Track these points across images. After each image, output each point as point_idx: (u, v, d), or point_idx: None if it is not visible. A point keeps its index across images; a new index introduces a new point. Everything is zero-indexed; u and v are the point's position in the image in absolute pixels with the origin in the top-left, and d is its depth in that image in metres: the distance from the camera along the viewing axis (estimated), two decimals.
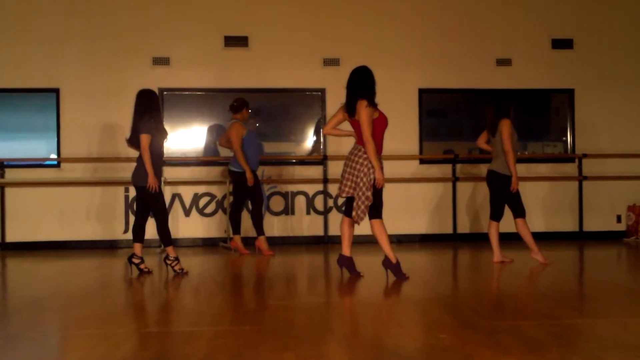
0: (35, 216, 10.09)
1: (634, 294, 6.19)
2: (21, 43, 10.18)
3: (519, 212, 7.96)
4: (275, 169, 10.47)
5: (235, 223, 9.20)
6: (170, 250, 7.36)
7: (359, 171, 6.56)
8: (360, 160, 6.57)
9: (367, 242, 9.98)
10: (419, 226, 10.60)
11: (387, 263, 6.76)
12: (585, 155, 10.74)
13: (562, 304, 5.56)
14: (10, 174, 10.14)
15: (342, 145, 10.40)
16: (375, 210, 6.67)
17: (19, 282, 7.63)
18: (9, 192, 10.10)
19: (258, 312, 5.46)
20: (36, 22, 10.23)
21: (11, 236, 10.06)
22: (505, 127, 7.73)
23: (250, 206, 9.32)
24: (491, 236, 7.98)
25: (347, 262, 6.91)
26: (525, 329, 4.55)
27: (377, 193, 6.64)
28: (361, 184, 6.53)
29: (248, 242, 9.44)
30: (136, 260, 7.43)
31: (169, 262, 7.35)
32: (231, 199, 10.03)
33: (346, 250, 6.92)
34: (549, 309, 5.32)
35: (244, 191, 9.05)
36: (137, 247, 7.45)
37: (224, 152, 10.11)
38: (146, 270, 7.40)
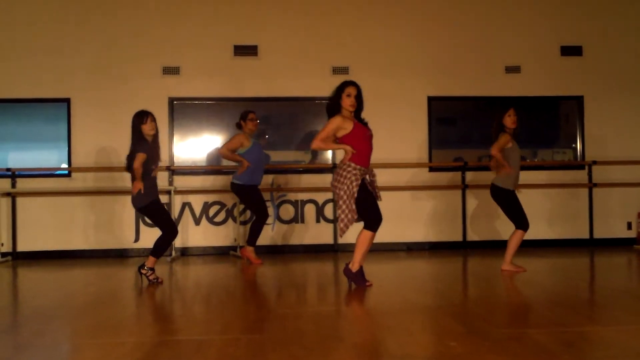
0: (46, 225, 10.14)
1: None
2: (32, 54, 10.26)
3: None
4: (285, 178, 10.49)
5: (253, 234, 9.19)
6: (151, 261, 7.32)
7: (341, 184, 6.58)
8: (341, 176, 6.60)
9: (375, 250, 10.00)
10: (429, 234, 10.60)
11: (348, 270, 6.81)
12: (595, 162, 10.72)
13: (572, 311, 5.54)
14: (22, 184, 10.21)
15: None
16: (367, 222, 6.68)
17: (29, 291, 7.67)
18: (20, 201, 10.16)
19: (268, 320, 5.47)
20: (47, 32, 10.31)
21: (22, 245, 10.12)
22: (500, 140, 7.70)
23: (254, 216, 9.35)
24: (511, 243, 7.89)
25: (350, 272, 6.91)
26: (535, 337, 4.54)
27: (367, 205, 6.62)
28: (340, 199, 6.58)
29: (259, 250, 9.48)
30: (144, 271, 7.43)
31: (143, 271, 7.31)
32: (241, 207, 10.07)
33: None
34: (559, 317, 5.30)
35: (248, 202, 9.10)
36: (150, 260, 7.45)
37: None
38: (155, 280, 7.39)
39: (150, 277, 7.30)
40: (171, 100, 10.40)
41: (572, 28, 10.96)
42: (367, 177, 6.75)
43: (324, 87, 10.56)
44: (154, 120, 7.31)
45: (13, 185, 10.14)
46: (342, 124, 6.66)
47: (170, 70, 10.44)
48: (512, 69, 10.82)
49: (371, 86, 10.39)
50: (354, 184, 6.53)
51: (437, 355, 4.24)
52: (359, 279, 6.76)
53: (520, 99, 10.90)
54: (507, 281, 7.43)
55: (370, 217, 6.67)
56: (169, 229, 7.38)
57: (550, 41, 10.90)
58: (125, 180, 10.17)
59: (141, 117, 7.27)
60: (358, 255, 6.74)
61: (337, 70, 10.52)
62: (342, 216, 6.59)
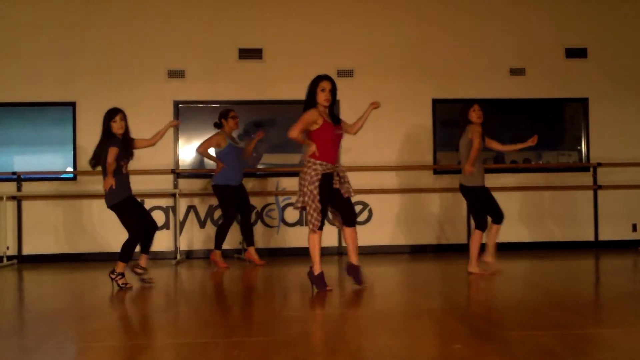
0: (52, 229, 10.17)
1: None
2: (38, 58, 10.29)
3: (498, 217, 7.94)
4: (290, 180, 10.49)
5: (247, 235, 9.29)
6: (120, 267, 7.27)
7: (304, 179, 6.63)
8: (305, 169, 6.64)
9: (379, 252, 10.01)
10: (433, 236, 10.59)
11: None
12: (599, 164, 10.70)
13: (577, 313, 5.54)
14: (27, 187, 10.24)
15: (357, 156, 10.42)
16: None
17: (35, 294, 7.69)
18: (25, 205, 10.19)
19: (272, 323, 5.47)
20: (52, 37, 10.34)
21: (28, 249, 10.15)
22: (474, 131, 7.72)
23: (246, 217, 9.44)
24: (472, 244, 7.94)
25: (353, 271, 6.93)
26: (540, 339, 4.54)
27: (319, 202, 6.63)
28: (304, 195, 6.61)
29: (261, 253, 9.50)
30: (139, 271, 7.47)
31: (112, 275, 7.27)
32: None
33: (353, 258, 6.92)
34: (564, 319, 5.30)
35: (222, 202, 9.15)
36: (142, 258, 7.50)
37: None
38: (148, 280, 7.41)
39: (120, 282, 7.24)
40: (176, 104, 10.43)
41: (577, 30, 10.95)
42: (338, 175, 6.75)
43: None
44: (124, 119, 7.34)
45: (19, 189, 10.17)
46: (316, 118, 6.70)
47: (175, 74, 10.46)
48: (517, 71, 10.81)
49: (376, 89, 10.45)
50: (315, 178, 6.56)
51: (442, 358, 4.24)
52: (321, 284, 6.78)
53: (525, 101, 10.92)
54: (512, 283, 7.43)
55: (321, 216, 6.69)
56: (134, 231, 7.31)
57: (555, 43, 10.89)
58: (131, 183, 10.18)
59: (111, 114, 7.31)
60: (316, 258, 6.80)
61: (341, 73, 10.53)
62: (311, 211, 6.62)
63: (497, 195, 10.36)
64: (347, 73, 10.53)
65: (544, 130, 11.32)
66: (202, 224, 10.35)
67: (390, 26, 10.73)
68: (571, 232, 10.70)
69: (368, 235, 10.40)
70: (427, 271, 8.77)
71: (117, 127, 7.28)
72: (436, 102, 10.71)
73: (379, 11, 10.76)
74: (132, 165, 10.07)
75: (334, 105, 6.88)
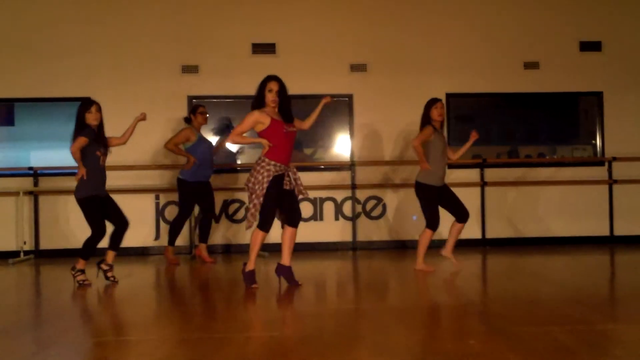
0: (68, 224, 10.23)
1: None
2: (53, 53, 10.33)
3: (461, 216, 7.97)
4: (304, 175, 10.48)
5: (204, 232, 9.30)
6: (81, 263, 7.28)
7: (254, 177, 6.63)
8: (255, 170, 6.66)
9: (394, 248, 10.00)
10: (447, 231, 10.55)
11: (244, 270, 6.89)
12: (615, 159, 10.64)
13: (593, 309, 5.53)
14: (44, 183, 10.30)
15: (371, 150, 10.42)
16: (260, 220, 6.70)
17: (52, 289, 7.75)
18: (42, 200, 10.26)
19: (288, 318, 5.50)
20: (67, 32, 10.38)
21: (45, 244, 10.21)
22: (423, 132, 7.82)
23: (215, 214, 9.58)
24: (420, 242, 7.96)
25: (286, 272, 6.95)
26: (556, 335, 4.54)
27: (269, 203, 6.63)
28: (253, 193, 6.62)
29: (266, 248, 9.49)
30: (105, 267, 7.43)
31: (73, 272, 7.30)
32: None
33: (285, 259, 6.94)
34: (580, 315, 5.30)
35: (181, 197, 9.18)
36: (109, 255, 7.45)
37: (248, 159, 10.24)
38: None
39: (78, 279, 7.25)
40: (190, 99, 10.45)
41: (591, 23, 10.88)
42: (288, 175, 6.76)
43: (342, 85, 10.63)
44: (99, 110, 7.34)
45: (35, 184, 10.24)
46: (259, 119, 6.75)
47: (189, 69, 10.49)
48: (531, 65, 10.75)
49: (389, 83, 10.45)
50: (265, 179, 6.58)
51: (457, 354, 4.25)
52: (250, 280, 6.80)
53: (539, 95, 10.87)
54: (527, 278, 7.42)
55: (265, 215, 6.67)
56: (98, 230, 7.31)
57: (569, 37, 10.82)
58: (146, 178, 10.26)
59: (86, 105, 7.30)
60: (253, 255, 6.79)
61: (354, 68, 10.53)
62: (253, 210, 6.61)
63: (510, 190, 10.43)
64: (360, 67, 10.52)
65: (558, 124, 11.28)
66: (217, 219, 10.36)
67: (404, 20, 10.70)
68: (586, 227, 10.65)
69: (382, 230, 10.41)
70: (441, 266, 8.76)
71: (91, 118, 7.26)
72: (450, 97, 10.68)
73: (392, 6, 10.73)
74: (145, 160, 10.22)
75: (285, 105, 6.93)
